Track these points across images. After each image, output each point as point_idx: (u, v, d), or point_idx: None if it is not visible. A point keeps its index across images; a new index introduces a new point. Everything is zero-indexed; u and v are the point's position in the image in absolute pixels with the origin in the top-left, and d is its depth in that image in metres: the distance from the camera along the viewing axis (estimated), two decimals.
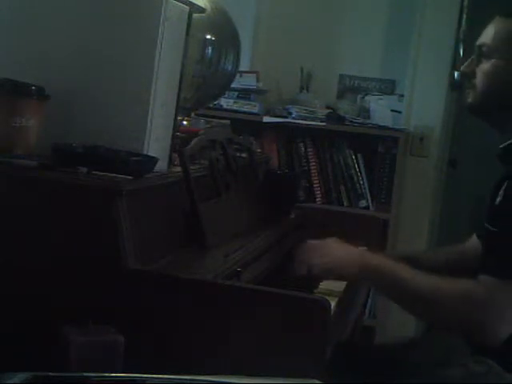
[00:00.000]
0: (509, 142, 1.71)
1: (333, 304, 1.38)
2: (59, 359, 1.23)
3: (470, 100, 1.73)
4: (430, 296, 1.57)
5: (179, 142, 1.78)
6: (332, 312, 1.35)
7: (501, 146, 1.73)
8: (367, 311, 3.33)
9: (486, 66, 1.69)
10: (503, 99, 1.69)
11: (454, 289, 1.56)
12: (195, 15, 1.74)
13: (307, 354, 1.30)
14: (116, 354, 1.23)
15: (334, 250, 1.71)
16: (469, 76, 1.72)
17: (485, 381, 1.59)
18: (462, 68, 1.75)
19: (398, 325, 3.35)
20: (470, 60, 1.74)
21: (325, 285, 1.81)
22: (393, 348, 1.95)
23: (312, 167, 3.40)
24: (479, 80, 1.70)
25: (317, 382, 1.15)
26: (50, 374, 1.05)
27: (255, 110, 3.37)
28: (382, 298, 3.33)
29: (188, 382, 1.08)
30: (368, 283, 1.66)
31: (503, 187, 1.65)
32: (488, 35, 1.70)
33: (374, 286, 1.64)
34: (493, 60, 1.68)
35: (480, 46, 1.71)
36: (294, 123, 3.34)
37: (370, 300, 3.29)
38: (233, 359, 1.31)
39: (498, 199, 1.65)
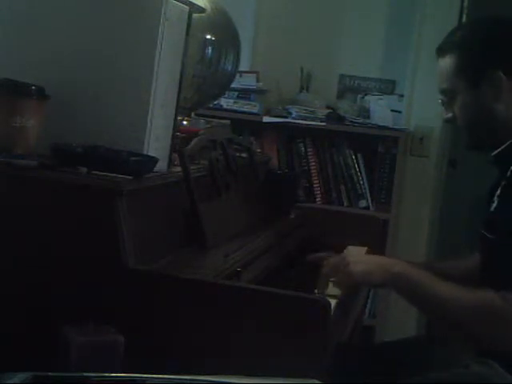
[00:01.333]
0: (499, 150, 1.71)
1: (333, 304, 1.38)
2: (59, 359, 1.23)
3: (466, 141, 1.76)
4: (450, 304, 1.55)
5: (179, 142, 1.78)
6: (332, 312, 1.35)
7: (493, 154, 1.74)
8: (367, 311, 3.32)
9: (457, 105, 1.71)
10: (488, 123, 1.70)
11: (473, 298, 1.54)
12: (195, 15, 1.74)
13: (307, 354, 1.30)
14: (116, 354, 1.23)
15: (361, 258, 1.69)
16: (452, 120, 1.74)
17: (486, 381, 1.58)
18: (443, 116, 1.78)
19: (398, 325, 3.36)
20: (444, 109, 1.76)
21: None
22: (393, 348, 1.95)
23: (312, 167, 3.40)
24: (460, 120, 1.72)
25: (317, 382, 1.15)
26: (50, 373, 1.05)
27: (255, 110, 3.37)
28: (382, 298, 3.33)
29: (188, 382, 1.08)
30: (393, 289, 1.65)
31: (497, 193, 1.65)
32: (442, 79, 1.73)
33: (399, 292, 1.63)
34: (458, 98, 1.70)
35: (444, 92, 1.73)
36: (294, 123, 3.34)
37: (369, 300, 3.29)
38: (233, 359, 1.31)
39: (493, 205, 1.65)
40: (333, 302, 1.42)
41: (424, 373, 1.66)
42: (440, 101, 1.79)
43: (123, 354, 1.24)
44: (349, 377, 1.72)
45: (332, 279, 1.67)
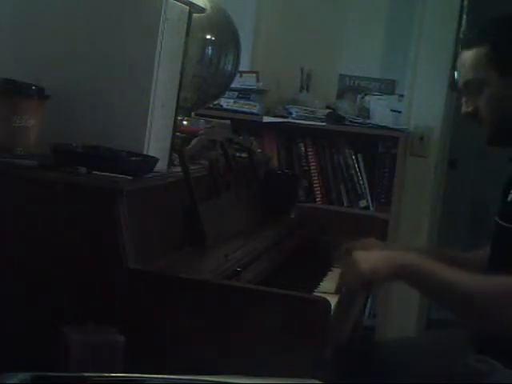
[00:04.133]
0: None
1: (333, 304, 1.38)
2: (59, 359, 1.23)
3: (488, 135, 1.73)
4: (467, 292, 1.54)
5: (179, 142, 1.78)
6: (332, 312, 1.35)
7: None
8: (367, 311, 3.32)
9: (483, 98, 1.69)
10: None
11: (498, 283, 1.53)
12: (195, 15, 1.74)
13: (307, 354, 1.30)
14: (116, 353, 1.23)
15: (369, 255, 1.68)
16: (473, 114, 1.72)
17: (487, 380, 1.58)
18: (463, 110, 1.74)
19: (398, 325, 3.36)
20: (464, 101, 1.73)
21: (325, 285, 1.82)
22: (393, 347, 1.94)
23: (312, 167, 3.40)
24: (485, 113, 1.69)
25: (317, 382, 1.15)
26: (50, 373, 1.05)
27: (255, 110, 3.37)
28: (382, 298, 3.33)
29: (188, 381, 1.08)
30: (404, 282, 1.64)
31: None
32: (467, 71, 1.70)
33: (411, 284, 1.61)
34: (485, 90, 1.68)
35: (466, 85, 1.71)
36: (294, 123, 3.34)
37: (369, 300, 3.29)
38: (233, 359, 1.31)
39: (511, 196, 1.65)
40: (333, 301, 1.42)
41: (425, 372, 1.66)
42: (461, 95, 1.75)
43: (123, 353, 1.24)
44: (349, 377, 1.72)
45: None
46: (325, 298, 1.34)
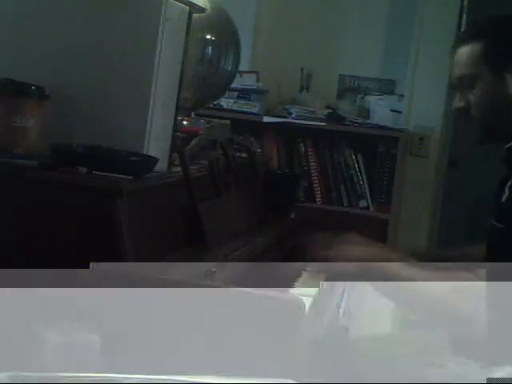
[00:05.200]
0: None
1: (307, 304, 1.38)
2: (35, 359, 1.22)
3: (478, 132, 1.73)
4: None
5: (179, 142, 1.78)
6: (307, 311, 1.35)
7: (506, 147, 1.72)
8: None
9: (476, 94, 1.69)
10: (506, 113, 1.68)
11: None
12: (195, 15, 1.74)
13: (283, 354, 1.30)
14: (92, 353, 1.22)
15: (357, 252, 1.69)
16: (464, 109, 1.72)
17: (464, 381, 1.58)
18: (454, 105, 1.75)
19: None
20: (457, 96, 1.73)
21: (300, 285, 1.81)
22: (367, 345, 1.93)
23: (312, 167, 3.40)
24: (477, 108, 1.70)
25: (291, 381, 1.14)
26: (26, 374, 1.04)
27: (255, 110, 3.37)
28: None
29: (166, 382, 1.07)
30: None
31: (508, 184, 1.65)
32: (462, 66, 1.70)
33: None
34: (478, 86, 1.68)
35: (460, 79, 1.72)
36: (294, 123, 3.34)
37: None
38: (215, 359, 1.30)
39: (505, 196, 1.64)
40: (307, 301, 1.41)
41: (400, 372, 1.65)
42: (455, 90, 1.75)
43: (99, 353, 1.23)
44: (326, 377, 1.71)
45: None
46: (298, 298, 1.34)
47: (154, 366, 1.25)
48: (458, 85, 1.72)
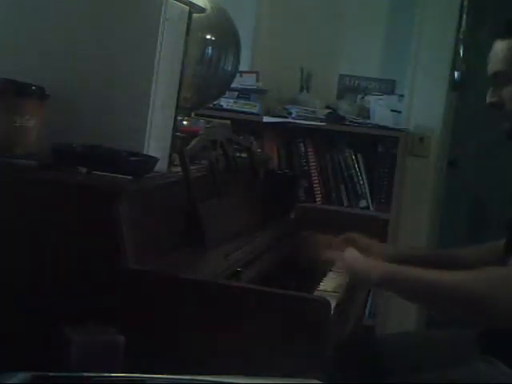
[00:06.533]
0: None
1: (333, 304, 1.38)
2: (59, 359, 1.23)
3: (507, 126, 1.72)
4: (456, 289, 1.52)
5: (179, 142, 1.78)
6: (332, 312, 1.35)
7: None
8: (367, 311, 3.32)
9: (510, 90, 1.68)
10: None
11: (481, 277, 1.52)
12: (195, 15, 1.74)
13: (308, 354, 1.30)
14: (116, 353, 1.23)
15: (358, 257, 1.68)
16: (498, 105, 1.72)
17: (491, 381, 1.58)
18: (488, 100, 1.73)
19: (398, 324, 3.36)
20: (490, 90, 1.72)
21: (324, 285, 1.81)
22: (394, 342, 1.93)
23: (312, 167, 3.40)
24: (511, 105, 1.69)
25: (317, 382, 1.15)
26: (50, 374, 1.05)
27: (255, 110, 3.37)
28: (382, 298, 3.33)
29: (188, 381, 1.08)
30: (388, 290, 1.64)
31: None
32: (498, 62, 1.70)
33: (396, 292, 1.61)
34: None
35: (495, 75, 1.71)
36: (294, 123, 3.34)
37: (369, 300, 3.28)
38: (233, 359, 1.31)
39: None
40: (333, 301, 1.42)
41: (425, 371, 1.65)
42: (490, 85, 1.74)
43: (123, 353, 1.24)
44: (350, 377, 1.72)
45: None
46: (325, 298, 1.34)
47: (178, 365, 1.24)
48: (493, 80, 1.72)
